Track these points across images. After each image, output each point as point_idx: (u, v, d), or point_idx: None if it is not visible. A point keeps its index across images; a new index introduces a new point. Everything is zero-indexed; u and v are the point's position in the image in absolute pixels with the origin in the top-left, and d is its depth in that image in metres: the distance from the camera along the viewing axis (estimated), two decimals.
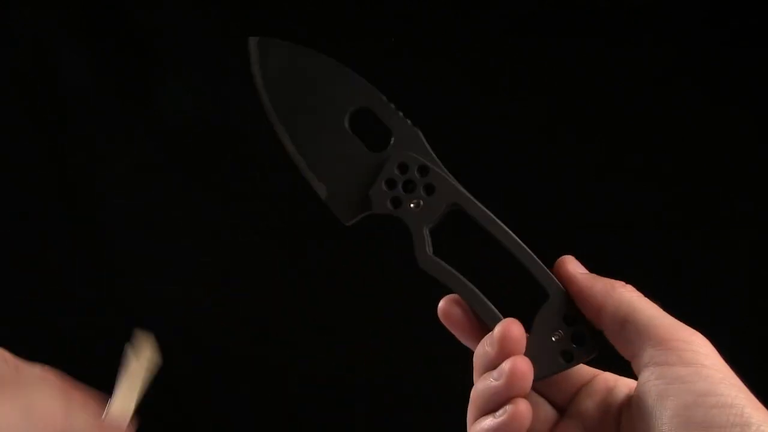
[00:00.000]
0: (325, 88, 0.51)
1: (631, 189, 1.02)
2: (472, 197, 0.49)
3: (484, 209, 0.49)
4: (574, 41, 1.04)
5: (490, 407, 0.45)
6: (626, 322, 0.44)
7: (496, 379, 0.44)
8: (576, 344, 0.46)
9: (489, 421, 0.44)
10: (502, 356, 0.45)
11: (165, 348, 1.13)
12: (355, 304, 1.01)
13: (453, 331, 0.49)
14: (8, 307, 1.03)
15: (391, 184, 0.49)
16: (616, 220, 1.02)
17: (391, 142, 0.50)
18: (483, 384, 0.45)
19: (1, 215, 1.05)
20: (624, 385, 0.47)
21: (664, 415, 0.40)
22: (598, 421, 0.46)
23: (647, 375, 0.42)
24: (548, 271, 0.48)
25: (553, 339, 0.47)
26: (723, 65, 1.03)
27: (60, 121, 1.05)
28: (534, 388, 0.47)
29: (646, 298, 0.46)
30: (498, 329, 0.45)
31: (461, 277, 0.48)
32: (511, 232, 0.48)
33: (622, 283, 0.47)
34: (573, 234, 1.00)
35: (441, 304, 0.49)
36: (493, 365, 0.45)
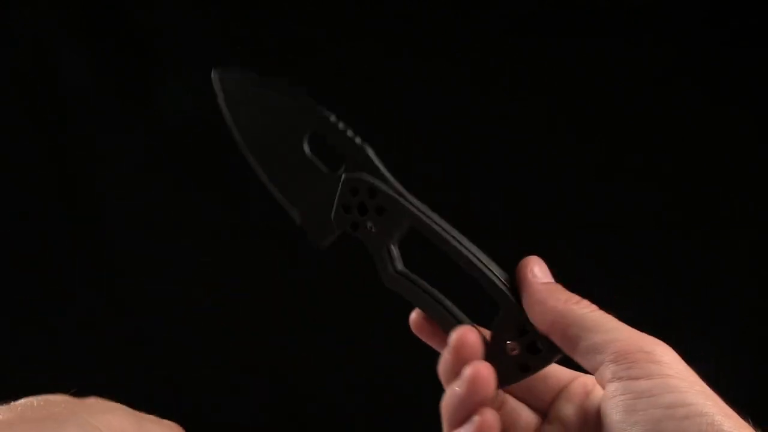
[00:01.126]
0: (280, 116, 0.51)
1: (631, 189, 1.02)
2: (421, 214, 0.48)
3: (433, 225, 0.48)
4: (574, 41, 1.04)
5: (458, 418, 0.44)
6: (580, 339, 0.43)
7: (459, 387, 0.44)
8: (531, 353, 0.46)
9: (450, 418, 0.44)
10: (459, 362, 0.45)
11: (165, 348, 1.14)
12: (355, 304, 1.01)
13: (428, 342, 0.49)
14: (8, 307, 1.03)
15: (346, 208, 0.49)
16: (616, 220, 1.02)
17: (343, 164, 0.50)
18: (449, 393, 0.45)
19: (1, 215, 1.05)
20: (600, 389, 0.45)
21: (635, 430, 0.40)
22: (579, 425, 0.46)
23: (612, 390, 0.41)
24: (499, 282, 0.47)
25: (509, 350, 0.46)
26: (723, 65, 1.03)
27: (60, 121, 1.05)
28: (513, 394, 0.47)
29: (601, 312, 0.44)
30: (453, 336, 0.45)
31: (423, 291, 0.48)
32: (462, 244, 0.48)
33: (578, 298, 0.45)
34: (573, 234, 1.00)
35: (412, 316, 0.50)
36: (453, 372, 0.45)
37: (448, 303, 0.48)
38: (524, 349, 0.46)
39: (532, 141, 1.03)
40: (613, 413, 0.41)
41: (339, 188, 0.49)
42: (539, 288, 0.45)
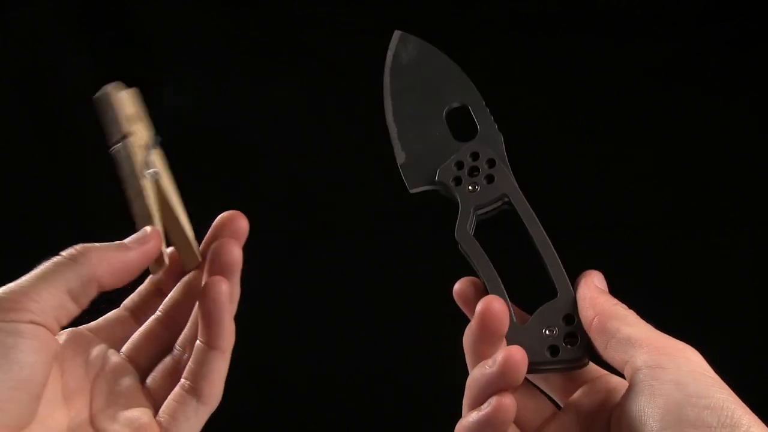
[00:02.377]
0: (438, 81, 0.58)
1: (631, 189, 1.02)
2: (523, 197, 0.55)
3: (530, 209, 0.54)
4: (574, 41, 1.04)
5: (482, 398, 0.46)
6: (617, 331, 0.46)
7: (490, 367, 0.46)
8: (567, 343, 0.49)
9: (474, 415, 0.46)
10: (483, 331, 0.47)
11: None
12: (356, 305, 1.01)
13: (464, 310, 0.52)
14: None
15: (459, 165, 0.55)
16: (616, 220, 1.02)
17: (475, 137, 0.57)
18: (479, 371, 0.47)
19: (0, 221, 1.05)
20: (624, 387, 0.47)
21: (655, 413, 0.42)
22: (593, 417, 0.47)
23: (640, 377, 0.44)
24: (565, 274, 0.51)
25: (546, 332, 0.50)
26: (725, 66, 1.03)
27: (60, 121, 1.05)
28: (535, 379, 0.50)
29: (640, 319, 0.47)
30: (480, 304, 0.47)
31: (488, 259, 0.52)
32: (545, 234, 0.54)
33: (624, 305, 0.48)
34: (573, 234, 1.00)
35: (457, 284, 0.52)
36: (476, 342, 0.48)
37: (498, 278, 0.52)
38: (562, 337, 0.49)
39: (532, 141, 1.03)
40: (639, 395, 0.43)
41: (461, 149, 0.56)
42: (595, 288, 0.49)
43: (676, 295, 0.99)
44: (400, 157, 0.57)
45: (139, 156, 0.52)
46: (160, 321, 0.52)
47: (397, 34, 0.60)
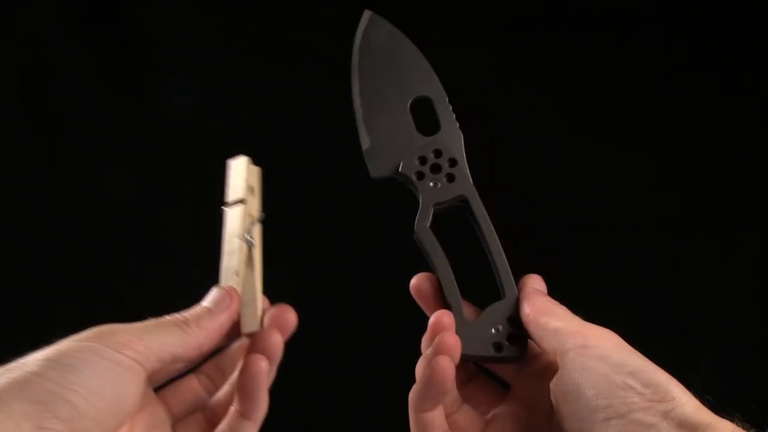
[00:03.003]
0: (405, 70, 0.61)
1: (632, 189, 1.02)
2: (479, 199, 0.58)
3: (485, 212, 0.57)
4: (574, 41, 1.04)
5: (422, 367, 0.55)
6: (548, 324, 0.54)
7: (427, 348, 0.54)
8: (509, 341, 0.56)
9: (418, 376, 0.54)
10: (433, 337, 0.55)
11: None
12: (356, 305, 1.01)
13: (420, 304, 0.59)
14: (8, 308, 1.03)
15: (423, 160, 0.58)
16: (616, 220, 1.02)
17: (437, 133, 0.59)
18: (421, 358, 0.55)
19: (0, 215, 1.05)
20: (556, 364, 0.54)
21: (588, 383, 0.50)
22: (536, 393, 0.55)
23: (570, 356, 0.51)
24: (512, 278, 0.57)
25: (492, 330, 0.56)
26: (725, 66, 1.03)
27: (60, 121, 1.05)
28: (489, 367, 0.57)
29: (571, 313, 0.55)
30: (433, 317, 0.55)
31: (443, 254, 0.57)
32: (497, 237, 0.57)
33: (558, 303, 0.56)
34: (572, 234, 1.00)
35: (414, 279, 0.59)
36: (428, 344, 0.55)
37: (452, 274, 0.57)
38: (505, 334, 0.56)
39: (532, 141, 1.03)
40: (572, 370, 0.51)
41: (425, 144, 0.59)
42: (532, 289, 0.57)
43: (676, 295, 0.99)
44: (365, 142, 0.59)
45: (245, 222, 0.58)
46: (198, 376, 0.57)
47: (367, 14, 0.62)
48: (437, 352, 0.53)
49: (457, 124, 0.60)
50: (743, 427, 0.47)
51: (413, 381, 0.57)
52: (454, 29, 1.06)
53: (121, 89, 1.05)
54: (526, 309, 0.55)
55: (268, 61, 1.07)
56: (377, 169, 0.59)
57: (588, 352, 0.51)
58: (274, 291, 1.03)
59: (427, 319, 0.57)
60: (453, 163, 0.58)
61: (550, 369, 0.55)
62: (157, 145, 1.05)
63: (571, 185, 1.02)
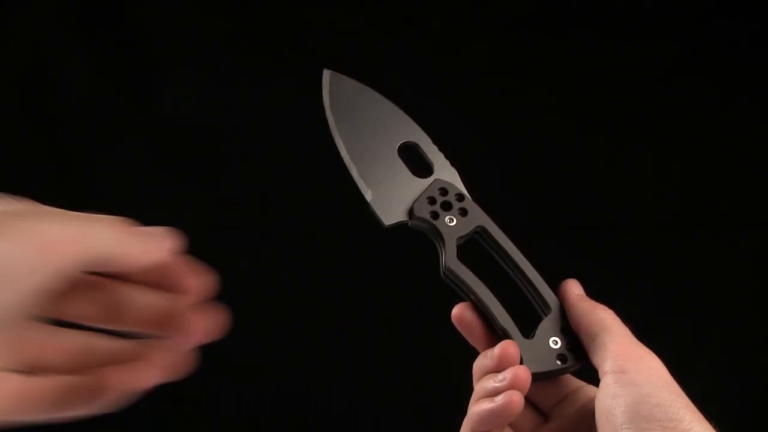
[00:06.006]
0: (381, 121, 0.62)
1: (632, 189, 1.02)
2: (496, 225, 0.59)
3: (505, 236, 0.59)
4: (574, 41, 1.04)
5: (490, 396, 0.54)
6: (596, 337, 0.54)
7: (499, 382, 0.54)
8: (569, 351, 0.57)
9: (487, 404, 0.54)
10: (500, 369, 0.55)
11: None
12: (356, 305, 1.01)
13: (464, 334, 0.58)
14: None
15: (432, 200, 0.59)
16: (617, 220, 1.02)
17: (433, 173, 0.61)
18: (488, 383, 0.55)
19: None
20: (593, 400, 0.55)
21: (619, 410, 0.51)
22: (575, 424, 0.56)
23: (607, 380, 0.52)
24: (549, 289, 0.58)
25: (551, 344, 0.57)
26: (725, 66, 1.03)
27: (60, 121, 1.05)
28: (528, 392, 0.55)
29: (619, 320, 0.55)
30: (498, 349, 0.55)
31: (481, 282, 0.57)
32: (523, 255, 0.59)
33: (603, 306, 0.56)
34: (572, 234, 1.00)
35: (455, 310, 0.58)
36: (489, 371, 0.55)
37: (494, 299, 0.57)
38: (565, 346, 0.57)
39: (532, 141, 1.03)
40: (606, 396, 0.52)
41: (429, 185, 0.60)
42: (575, 297, 0.57)
43: (676, 295, 0.99)
44: (368, 194, 0.60)
45: None
46: None
47: (327, 73, 0.63)
48: (511, 386, 0.54)
49: (447, 162, 0.61)
50: None
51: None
52: (454, 29, 1.06)
53: (121, 89, 1.05)
54: (574, 320, 0.56)
55: (268, 61, 1.07)
56: (388, 217, 0.60)
57: (623, 378, 0.52)
58: (274, 291, 1.03)
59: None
60: (461, 197, 0.60)
61: (590, 402, 0.55)
62: (157, 145, 1.05)
63: (571, 185, 1.02)
